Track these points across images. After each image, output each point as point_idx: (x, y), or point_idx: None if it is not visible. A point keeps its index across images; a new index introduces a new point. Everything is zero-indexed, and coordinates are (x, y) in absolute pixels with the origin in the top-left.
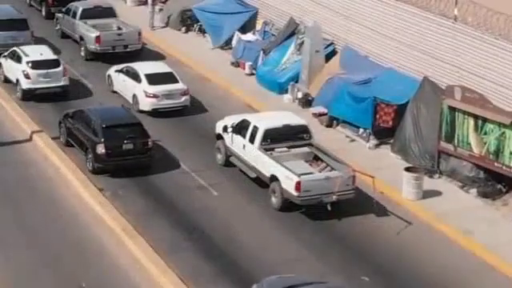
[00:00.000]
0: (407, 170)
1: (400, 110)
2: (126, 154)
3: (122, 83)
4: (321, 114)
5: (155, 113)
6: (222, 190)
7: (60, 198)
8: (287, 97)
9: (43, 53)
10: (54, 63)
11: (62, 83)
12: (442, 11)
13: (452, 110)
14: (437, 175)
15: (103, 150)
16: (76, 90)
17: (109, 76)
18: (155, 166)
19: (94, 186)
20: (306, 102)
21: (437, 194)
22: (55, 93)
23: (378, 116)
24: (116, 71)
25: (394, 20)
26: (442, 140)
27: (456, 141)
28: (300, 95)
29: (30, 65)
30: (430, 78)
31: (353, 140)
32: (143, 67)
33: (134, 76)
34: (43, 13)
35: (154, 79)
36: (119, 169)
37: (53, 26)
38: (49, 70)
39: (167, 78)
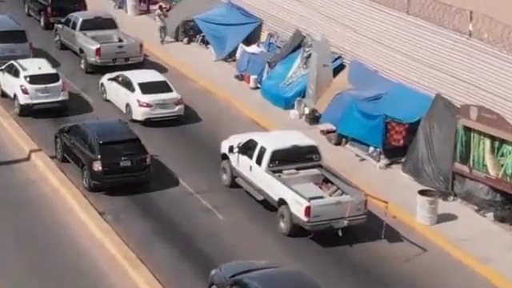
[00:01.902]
0: (421, 193)
1: (411, 128)
2: (124, 172)
3: (114, 92)
4: (329, 132)
5: (148, 122)
6: (227, 213)
7: (60, 222)
8: (294, 112)
9: (42, 66)
10: (53, 77)
11: (61, 98)
12: (456, 26)
13: (467, 130)
14: (451, 198)
15: (100, 168)
16: (75, 105)
17: (102, 84)
18: (154, 184)
19: (95, 210)
20: (314, 118)
21: (452, 218)
22: (54, 108)
23: (388, 135)
24: (109, 79)
25: (405, 34)
26: (457, 161)
27: (471, 162)
28: (307, 111)
29: (27, 79)
30: (442, 95)
31: (363, 159)
32: (136, 76)
33: (127, 85)
34: (42, 23)
35: (147, 88)
36: (116, 186)
37: (52, 36)
38: (47, 85)
39: (161, 86)
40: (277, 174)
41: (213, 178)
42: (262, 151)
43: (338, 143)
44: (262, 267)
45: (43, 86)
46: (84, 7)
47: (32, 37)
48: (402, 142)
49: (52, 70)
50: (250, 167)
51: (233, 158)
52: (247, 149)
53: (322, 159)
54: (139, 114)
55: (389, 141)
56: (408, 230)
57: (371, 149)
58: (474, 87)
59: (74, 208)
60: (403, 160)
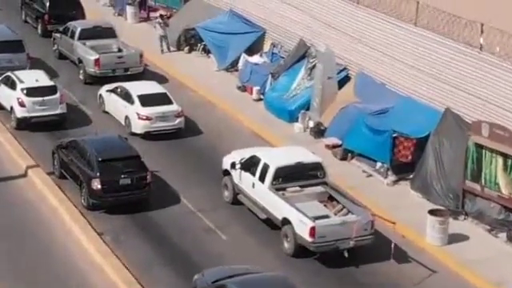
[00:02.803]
0: (431, 212)
1: (420, 144)
2: (123, 190)
3: (113, 104)
4: (334, 146)
5: (148, 136)
6: (230, 233)
7: (58, 244)
8: (298, 125)
9: (39, 79)
10: (51, 90)
11: (58, 111)
12: (466, 39)
13: (479, 147)
14: (462, 217)
15: (99, 186)
16: (74, 117)
17: (100, 96)
18: (155, 202)
19: (94, 231)
20: (319, 131)
21: (463, 238)
22: (52, 121)
23: (396, 150)
24: (108, 91)
25: (413, 46)
26: (468, 179)
27: (483, 180)
28: (311, 124)
29: (24, 92)
30: (452, 110)
31: (369, 175)
32: (136, 87)
33: (126, 97)
34: (39, 31)
35: (146, 100)
36: (116, 205)
37: (49, 44)
38: (45, 98)
39: (161, 99)
40: (280, 192)
41: (215, 194)
42: (265, 168)
43: (344, 158)
44: (246, 272)
45: (40, 98)
46: (82, 14)
47: (29, 45)
48: (410, 157)
49: (50, 82)
50: (253, 184)
51: (235, 174)
52: (250, 165)
53: (327, 176)
54: (139, 127)
55: (396, 156)
56: (417, 250)
57: (378, 164)
58: (484, 102)
59: (72, 229)
60: (411, 176)
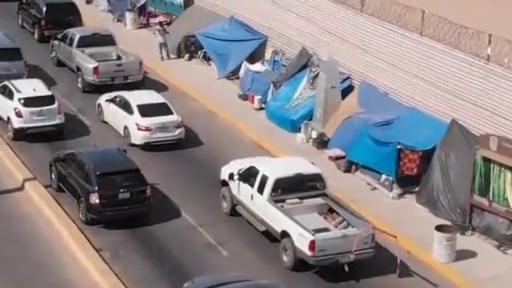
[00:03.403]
0: (438, 228)
1: (425, 156)
2: (122, 204)
3: (112, 114)
4: (338, 158)
5: (148, 147)
6: (232, 249)
7: (55, 259)
8: (300, 136)
9: (36, 88)
10: (49, 100)
11: (56, 121)
12: (474, 50)
13: (487, 161)
14: (469, 232)
15: (97, 200)
16: (72, 127)
17: (99, 105)
18: (155, 216)
19: (92, 247)
20: (322, 142)
21: (471, 255)
22: (50, 132)
23: (401, 163)
24: (106, 101)
25: (418, 56)
26: (475, 193)
27: (491, 195)
28: (314, 135)
29: (22, 102)
30: (458, 122)
31: (374, 188)
32: (135, 97)
33: (126, 106)
34: (36, 36)
35: (146, 111)
36: (115, 220)
37: (46, 50)
38: (43, 108)
39: (161, 109)
40: (279, 204)
41: (216, 207)
42: (264, 179)
43: (348, 170)
44: (236, 280)
45: (38, 108)
46: (79, 20)
47: (26, 50)
48: (415, 170)
49: (47, 92)
50: (252, 196)
51: (233, 185)
52: (248, 176)
53: (327, 187)
54: (138, 138)
55: (402, 169)
56: (423, 267)
57: (383, 177)
58: (492, 114)
59: (70, 245)
60: (417, 189)
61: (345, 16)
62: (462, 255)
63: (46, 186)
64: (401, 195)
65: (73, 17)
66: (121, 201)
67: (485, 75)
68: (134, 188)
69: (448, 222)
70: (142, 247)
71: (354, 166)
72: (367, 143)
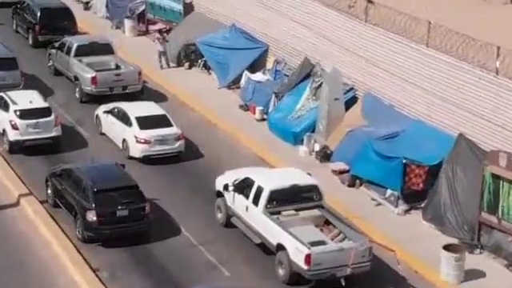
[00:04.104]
0: (446, 248)
1: (432, 170)
2: (120, 222)
3: (110, 125)
4: (341, 172)
5: (147, 160)
6: (234, 268)
7: (51, 279)
8: (303, 149)
9: (33, 100)
10: (45, 112)
11: (53, 134)
12: (482, 62)
13: (496, 178)
14: (478, 250)
15: (94, 218)
16: (69, 140)
17: (97, 116)
18: (154, 234)
19: (89, 268)
20: (325, 155)
21: (480, 274)
22: (46, 145)
23: (407, 178)
24: (105, 112)
25: (424, 68)
26: (484, 211)
27: (500, 212)
28: (317, 148)
29: (17, 114)
30: (466, 136)
31: (379, 204)
32: (134, 109)
33: (124, 118)
34: (30, 41)
35: (145, 123)
36: (113, 238)
37: (41, 55)
38: (39, 120)
39: (160, 121)
40: (275, 216)
41: (216, 223)
42: (259, 191)
43: (352, 185)
44: None
45: (34, 121)
46: (74, 25)
47: (20, 56)
48: (421, 185)
49: (44, 104)
50: (247, 207)
51: (228, 196)
52: (243, 187)
53: (324, 199)
54: (137, 150)
55: (407, 185)
56: (431, 287)
57: (388, 192)
58: (500, 128)
59: (66, 265)
60: (423, 205)
61: (348, 26)
62: (471, 275)
63: (42, 202)
64: (406, 211)
65: (67, 22)
66: (119, 218)
67: (494, 89)
68: (133, 205)
69: (455, 240)
70: (141, 266)
71: (358, 181)
72: (372, 157)
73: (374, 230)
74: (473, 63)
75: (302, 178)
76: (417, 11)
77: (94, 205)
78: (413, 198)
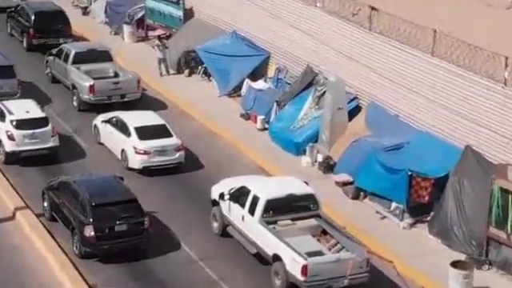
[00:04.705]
0: (454, 265)
1: (438, 183)
2: (119, 237)
3: (109, 135)
4: (345, 183)
5: (146, 171)
6: (236, 285)
7: None
8: (306, 159)
9: (29, 110)
10: (42, 122)
11: (50, 144)
12: (489, 73)
13: (504, 191)
14: (486, 266)
15: (92, 233)
16: (67, 150)
17: (95, 126)
18: (153, 249)
19: (87, 284)
20: (328, 166)
21: None
22: (43, 155)
23: (412, 191)
24: (103, 122)
25: (429, 77)
26: (492, 225)
27: (509, 228)
28: (320, 158)
29: (14, 124)
30: (473, 148)
31: (383, 217)
32: (133, 119)
33: (123, 129)
34: (24, 44)
35: (144, 133)
36: (111, 253)
37: (35, 58)
38: (35, 130)
39: (159, 131)
40: (271, 226)
41: (217, 238)
42: (255, 200)
43: (356, 197)
44: None
45: (31, 131)
46: (68, 29)
47: (14, 59)
48: (427, 198)
49: (41, 114)
50: (243, 217)
51: (224, 205)
52: (239, 196)
53: (321, 208)
54: (136, 162)
55: (413, 197)
56: None
57: (393, 205)
58: (508, 140)
59: (63, 282)
60: (429, 218)
61: (352, 33)
62: None
63: (38, 215)
64: (412, 225)
65: (62, 25)
66: (117, 233)
67: (502, 100)
68: (132, 219)
69: (463, 255)
70: (140, 283)
71: (362, 193)
72: (376, 169)
73: (379, 244)
74: (480, 73)
75: (298, 187)
76: (419, 15)
77: (91, 219)
78: (418, 211)
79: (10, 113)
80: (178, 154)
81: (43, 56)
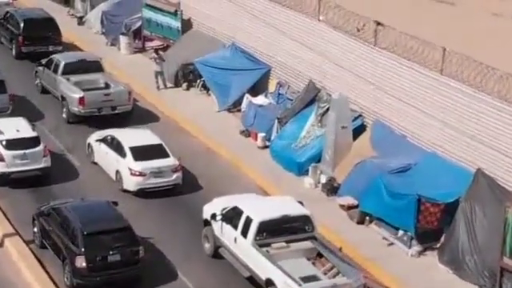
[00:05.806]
0: None
1: (448, 208)
2: (112, 268)
3: (103, 155)
4: (350, 207)
5: (142, 193)
6: None
7: None
8: (308, 180)
9: (20, 129)
10: (33, 142)
11: (42, 165)
12: (502, 93)
13: None
14: None
15: (84, 264)
16: (59, 169)
17: (89, 145)
18: (148, 280)
19: None
20: (332, 188)
21: None
22: (34, 177)
23: (421, 217)
24: (97, 140)
25: (438, 97)
26: (506, 255)
27: None
28: (324, 179)
29: (4, 144)
30: (485, 172)
31: (391, 243)
32: (128, 138)
33: (118, 148)
34: (13, 52)
35: (140, 153)
36: (103, 285)
37: (25, 67)
38: (26, 151)
39: (156, 151)
40: (264, 249)
41: (215, 265)
42: (248, 222)
43: (361, 222)
44: None
45: (22, 151)
46: (58, 36)
47: (3, 67)
48: (436, 224)
49: (32, 133)
50: (235, 239)
51: (216, 226)
52: (232, 217)
53: (316, 230)
54: (131, 183)
55: (421, 223)
56: None
57: (401, 231)
58: None
59: None
60: (438, 246)
61: (357, 49)
62: None
63: (27, 242)
64: (421, 252)
65: (52, 33)
66: (110, 264)
67: None
68: (126, 249)
69: (475, 286)
70: None
71: (367, 218)
72: (382, 194)
73: (386, 272)
74: (492, 94)
75: (293, 208)
76: (425, 30)
77: (83, 249)
78: (427, 238)
79: (0, 132)
80: (175, 176)
81: (33, 64)
